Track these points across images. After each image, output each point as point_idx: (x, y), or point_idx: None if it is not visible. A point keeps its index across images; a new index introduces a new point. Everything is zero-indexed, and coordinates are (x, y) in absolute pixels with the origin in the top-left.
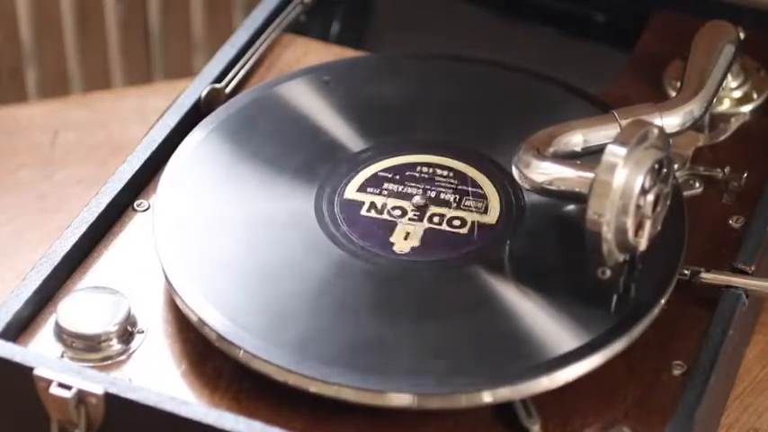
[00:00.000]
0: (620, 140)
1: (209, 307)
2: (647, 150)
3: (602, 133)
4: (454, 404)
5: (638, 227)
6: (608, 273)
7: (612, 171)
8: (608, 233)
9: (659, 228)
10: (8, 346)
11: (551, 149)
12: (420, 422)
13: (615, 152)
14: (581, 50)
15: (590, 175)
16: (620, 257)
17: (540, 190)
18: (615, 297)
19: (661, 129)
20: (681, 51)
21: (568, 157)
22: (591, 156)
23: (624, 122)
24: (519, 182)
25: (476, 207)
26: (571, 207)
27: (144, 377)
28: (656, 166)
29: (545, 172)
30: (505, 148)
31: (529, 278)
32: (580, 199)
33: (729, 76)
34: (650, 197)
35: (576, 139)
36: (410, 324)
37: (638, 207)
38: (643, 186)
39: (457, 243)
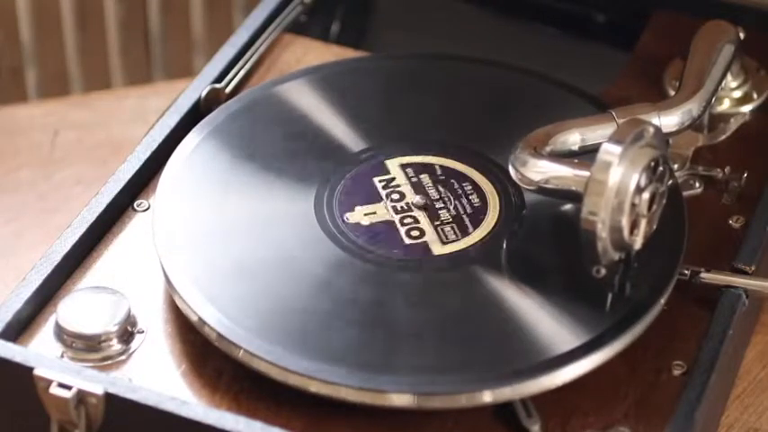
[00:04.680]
0: (615, 139)
1: (209, 307)
2: (642, 149)
3: (599, 132)
4: (454, 404)
5: (634, 225)
6: (603, 271)
7: (607, 169)
8: (603, 231)
9: (655, 227)
10: (8, 346)
11: (548, 148)
12: (420, 422)
13: (610, 150)
14: (581, 50)
15: (586, 173)
16: (616, 256)
17: (537, 188)
18: (612, 296)
19: (657, 128)
20: (681, 51)
21: (566, 156)
22: (589, 155)
23: (622, 121)
24: (515, 180)
25: (446, 235)
26: (571, 206)
27: (144, 377)
28: (652, 165)
29: (541, 170)
30: (504, 148)
31: (529, 277)
32: (577, 197)
33: (729, 76)
34: (646, 196)
35: (573, 138)
36: (410, 324)
37: (634, 206)
38: (638, 185)
39: (390, 245)
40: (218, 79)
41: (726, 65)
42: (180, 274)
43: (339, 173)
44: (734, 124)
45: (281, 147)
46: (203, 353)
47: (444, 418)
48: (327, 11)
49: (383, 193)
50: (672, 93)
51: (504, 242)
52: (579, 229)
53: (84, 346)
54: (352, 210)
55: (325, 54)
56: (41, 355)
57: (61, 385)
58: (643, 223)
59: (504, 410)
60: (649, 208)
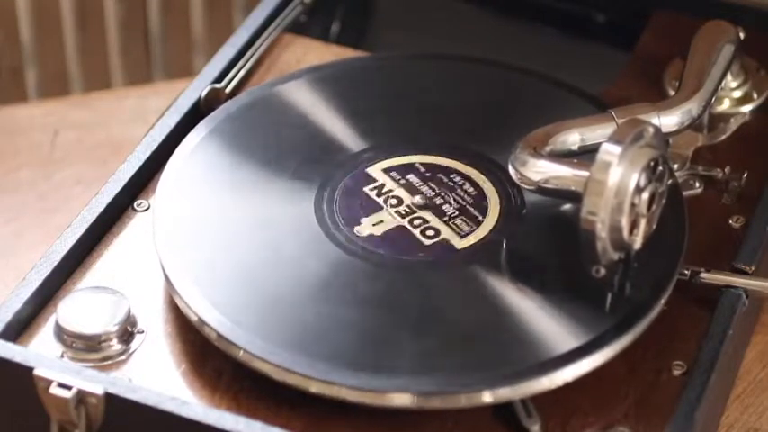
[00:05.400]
0: (614, 139)
1: (210, 307)
2: (642, 149)
3: (599, 132)
4: (454, 404)
5: (633, 225)
6: (602, 271)
7: (607, 169)
8: (602, 231)
9: (654, 227)
10: (8, 346)
11: (548, 148)
12: (420, 422)
13: (610, 150)
14: (581, 50)
15: (585, 173)
16: (615, 256)
17: (537, 188)
18: (612, 296)
19: (656, 128)
20: (681, 51)
21: (565, 156)
22: (588, 155)
23: (621, 122)
24: (515, 180)
25: (460, 229)
26: (571, 206)
27: (144, 377)
28: (652, 165)
29: (541, 170)
30: (504, 148)
31: (529, 278)
32: (576, 197)
33: (729, 76)
34: (645, 196)
35: (573, 138)
36: (410, 324)
37: (633, 206)
38: (638, 185)
39: (409, 249)
40: (218, 79)
41: (726, 65)
42: (180, 273)
43: (339, 173)
44: (734, 124)
45: (281, 147)
46: (203, 353)
47: (444, 418)
48: (327, 11)
49: (380, 200)
50: (672, 93)
51: (504, 242)
52: (579, 228)
53: (84, 346)
54: (358, 222)
55: (326, 54)
56: (41, 355)
57: (61, 385)
58: (642, 223)
59: (504, 410)
60: (649, 208)
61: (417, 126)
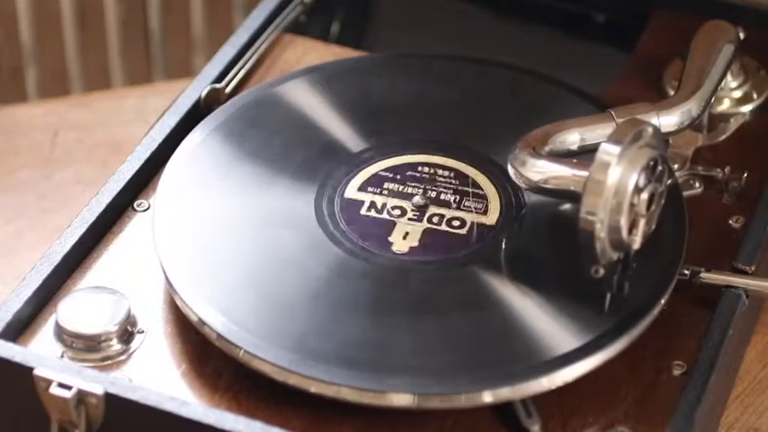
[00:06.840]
0: (614, 139)
1: (209, 307)
2: (641, 149)
3: (598, 132)
4: (454, 404)
5: (632, 225)
6: (601, 271)
7: (606, 169)
8: (601, 231)
9: (654, 227)
10: (8, 346)
11: (547, 148)
12: (420, 422)
13: (609, 150)
14: (581, 50)
15: (585, 173)
16: (614, 256)
17: (536, 188)
18: (612, 296)
19: (655, 127)
20: (681, 51)
21: (565, 156)
22: (588, 154)
23: (621, 121)
24: (514, 180)
25: (476, 208)
26: (571, 206)
27: (144, 377)
28: (651, 165)
29: (540, 170)
30: (504, 148)
31: (529, 278)
32: (575, 197)
33: (729, 76)
34: (644, 196)
35: (572, 138)
36: (410, 324)
37: (632, 205)
38: (637, 185)
39: (455, 244)
40: (218, 79)
41: (726, 65)
42: (180, 273)
43: (339, 173)
44: (734, 124)
45: (281, 147)
46: (203, 353)
47: (444, 418)
48: (327, 11)
49: (386, 216)
50: (672, 93)
51: (504, 242)
52: (578, 229)
53: (84, 346)
54: (389, 243)
55: (326, 54)
56: (41, 355)
57: (61, 385)
58: (641, 223)
59: (504, 410)
60: (648, 208)
61: (417, 126)
